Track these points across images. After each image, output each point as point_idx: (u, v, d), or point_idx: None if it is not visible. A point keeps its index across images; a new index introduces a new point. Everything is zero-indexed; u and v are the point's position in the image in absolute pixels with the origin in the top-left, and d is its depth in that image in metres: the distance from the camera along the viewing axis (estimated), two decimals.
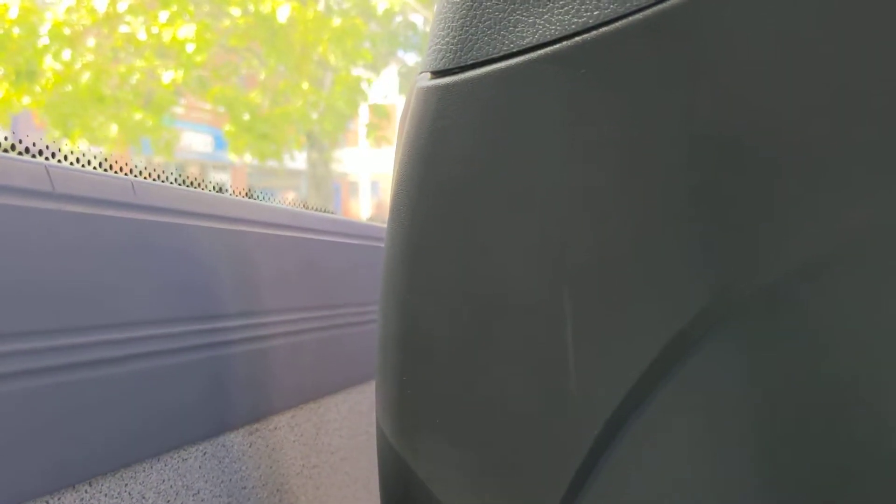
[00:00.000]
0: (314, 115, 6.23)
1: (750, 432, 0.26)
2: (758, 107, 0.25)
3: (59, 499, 0.32)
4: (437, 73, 0.30)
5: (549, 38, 0.27)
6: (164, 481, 0.39)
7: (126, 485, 0.36)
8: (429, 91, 0.30)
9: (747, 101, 0.25)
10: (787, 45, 0.24)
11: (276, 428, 0.50)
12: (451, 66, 0.30)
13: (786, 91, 0.25)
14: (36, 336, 0.30)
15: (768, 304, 0.25)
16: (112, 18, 5.34)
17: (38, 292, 0.30)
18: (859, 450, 0.25)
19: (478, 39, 0.29)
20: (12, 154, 0.35)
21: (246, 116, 5.85)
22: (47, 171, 0.31)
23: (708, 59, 0.25)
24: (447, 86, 0.29)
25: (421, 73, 0.31)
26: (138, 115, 5.45)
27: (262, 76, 6.07)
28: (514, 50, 0.28)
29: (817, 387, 0.25)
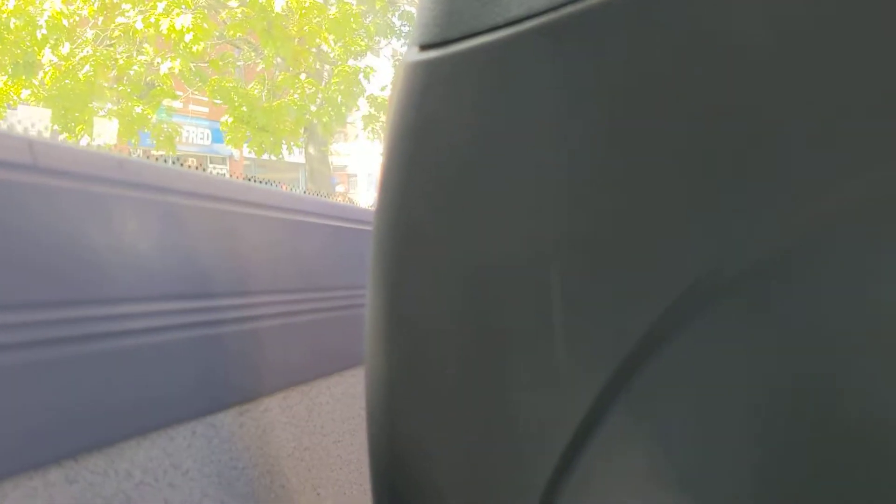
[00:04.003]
0: (312, 108, 6.21)
1: (738, 410, 0.26)
2: (751, 83, 0.25)
3: (43, 474, 0.32)
4: (425, 47, 0.30)
5: (536, 10, 0.27)
6: (151, 459, 0.38)
7: (112, 462, 0.36)
8: (416, 66, 0.29)
9: (741, 76, 0.25)
10: (781, 21, 0.24)
11: (266, 409, 0.50)
12: (438, 40, 0.29)
13: (779, 68, 0.24)
14: (19, 310, 0.30)
15: (759, 281, 0.25)
16: (109, 8, 5.31)
17: (21, 266, 0.30)
18: (850, 427, 0.25)
19: (464, 12, 0.29)
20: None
21: (244, 108, 5.83)
22: (30, 146, 0.30)
23: (699, 32, 0.25)
24: (434, 60, 0.29)
25: (409, 47, 0.31)
26: (138, 108, 5.43)
27: (260, 67, 6.05)
28: (501, 22, 0.28)
29: (809, 364, 0.25)
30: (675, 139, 0.25)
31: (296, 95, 6.00)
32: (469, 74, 0.28)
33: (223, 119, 5.87)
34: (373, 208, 0.34)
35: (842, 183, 0.24)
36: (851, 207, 0.24)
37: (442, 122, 0.29)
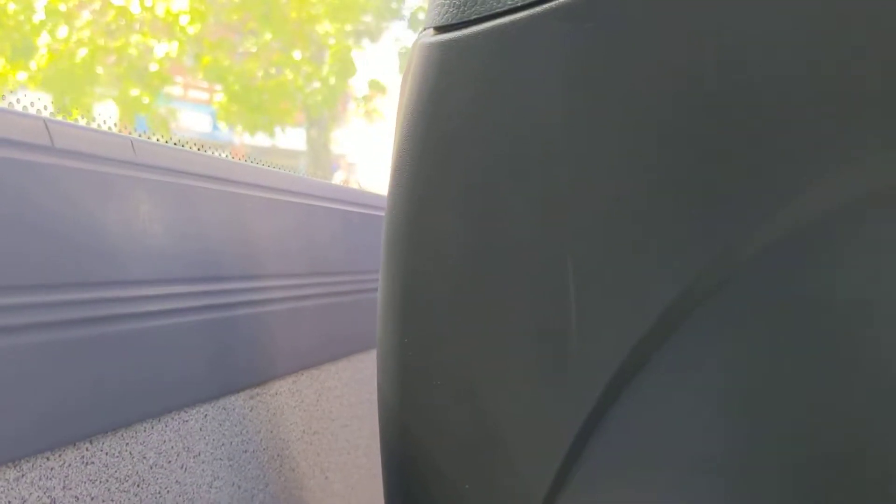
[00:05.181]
0: (307, 88, 6.18)
1: (739, 408, 0.26)
2: (765, 66, 0.24)
3: (59, 455, 0.32)
4: (440, 29, 0.30)
5: None
6: (164, 442, 0.39)
7: (127, 444, 0.36)
8: (431, 47, 0.29)
9: (755, 61, 0.24)
10: (785, 17, 0.24)
11: (277, 393, 0.50)
12: (454, 22, 0.29)
13: (781, 66, 0.24)
14: (33, 290, 0.30)
15: (760, 279, 0.25)
16: None
17: (37, 246, 0.30)
18: (850, 424, 0.25)
19: None
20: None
21: (237, 87, 5.80)
22: (46, 126, 0.30)
23: (719, 17, 0.25)
24: (450, 42, 0.29)
25: (424, 29, 0.31)
26: (134, 91, 5.40)
27: (255, 49, 6.00)
28: (519, 4, 0.28)
29: (810, 362, 0.25)
30: (689, 122, 0.25)
31: (291, 75, 5.97)
32: (484, 57, 0.28)
33: (217, 98, 5.82)
34: (384, 193, 0.33)
35: (840, 181, 0.24)
36: (851, 205, 0.24)
37: (456, 103, 0.29)
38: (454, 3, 0.29)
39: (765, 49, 0.24)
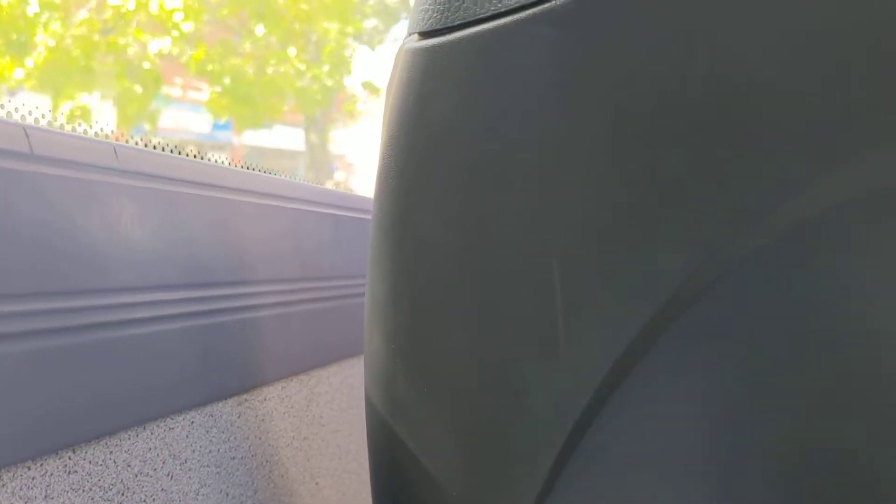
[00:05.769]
0: (299, 83, 6.18)
1: (733, 407, 0.26)
2: (755, 68, 0.24)
3: (41, 465, 0.32)
4: (424, 35, 0.29)
5: None
6: (150, 449, 0.38)
7: (111, 452, 0.36)
8: (416, 53, 0.29)
9: (744, 64, 0.24)
10: (774, 18, 0.24)
11: (266, 399, 0.50)
12: (438, 27, 0.29)
13: (771, 67, 0.24)
14: (15, 299, 0.30)
15: (758, 268, 0.25)
16: None
17: (17, 254, 0.30)
18: (846, 423, 0.25)
19: None
20: None
21: (227, 80, 5.80)
22: (25, 132, 0.30)
23: (706, 21, 0.25)
24: (434, 47, 0.29)
25: (408, 35, 0.31)
26: (125, 84, 5.40)
27: (247, 45, 6.01)
28: (502, 10, 0.28)
29: (813, 351, 0.25)
30: (676, 126, 0.25)
31: (283, 70, 5.97)
32: (468, 62, 0.28)
33: (213, 89, 5.81)
34: (372, 197, 0.33)
35: (834, 181, 0.24)
36: (845, 206, 0.24)
37: (440, 109, 0.29)
38: (438, 9, 0.29)
39: (757, 49, 0.24)
